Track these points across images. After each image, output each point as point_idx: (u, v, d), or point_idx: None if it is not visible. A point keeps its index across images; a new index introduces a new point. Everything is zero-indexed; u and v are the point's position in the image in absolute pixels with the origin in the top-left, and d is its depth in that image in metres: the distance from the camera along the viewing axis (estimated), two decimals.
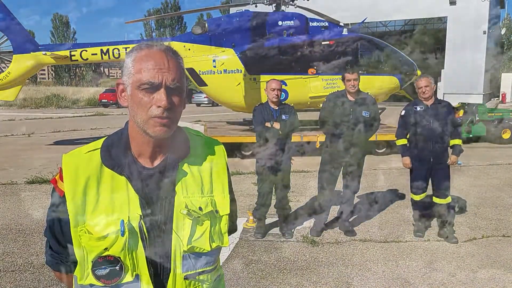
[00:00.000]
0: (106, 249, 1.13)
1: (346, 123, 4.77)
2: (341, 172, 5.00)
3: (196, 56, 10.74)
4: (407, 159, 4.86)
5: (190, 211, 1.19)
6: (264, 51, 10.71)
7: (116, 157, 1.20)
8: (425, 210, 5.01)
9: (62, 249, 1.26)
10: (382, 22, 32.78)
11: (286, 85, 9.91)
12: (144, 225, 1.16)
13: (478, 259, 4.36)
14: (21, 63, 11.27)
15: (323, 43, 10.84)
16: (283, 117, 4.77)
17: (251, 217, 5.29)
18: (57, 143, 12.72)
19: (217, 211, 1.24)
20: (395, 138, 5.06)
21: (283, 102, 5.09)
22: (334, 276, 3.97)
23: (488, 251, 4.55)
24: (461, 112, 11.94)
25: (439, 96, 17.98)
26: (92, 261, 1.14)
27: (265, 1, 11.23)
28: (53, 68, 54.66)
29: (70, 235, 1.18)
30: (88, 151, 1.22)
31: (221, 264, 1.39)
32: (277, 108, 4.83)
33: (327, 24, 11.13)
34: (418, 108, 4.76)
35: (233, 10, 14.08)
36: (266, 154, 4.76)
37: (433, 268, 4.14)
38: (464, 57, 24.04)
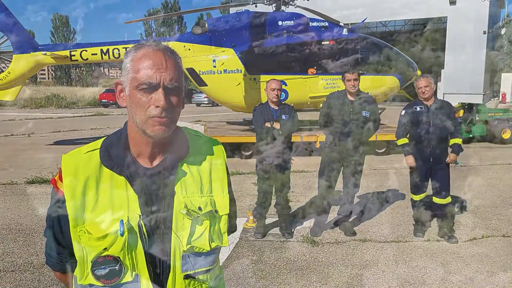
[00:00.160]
0: (105, 249, 1.14)
1: (346, 123, 4.77)
2: (341, 172, 5.00)
3: (196, 56, 10.74)
4: (410, 158, 4.80)
5: (190, 211, 1.19)
6: (264, 51, 10.71)
7: (115, 157, 1.20)
8: (425, 210, 5.00)
9: (62, 249, 1.26)
10: (382, 22, 32.76)
11: (286, 85, 9.91)
12: (143, 225, 1.16)
13: (478, 259, 4.36)
14: (21, 63, 11.27)
15: (323, 43, 10.84)
16: (283, 117, 4.77)
17: (251, 217, 5.29)
18: (57, 143, 12.72)
19: (216, 211, 1.24)
20: (396, 138, 5.05)
21: (283, 102, 5.09)
22: (334, 276, 3.97)
23: (488, 251, 4.55)
24: (461, 112, 11.94)
25: (439, 96, 17.97)
26: (91, 261, 1.14)
27: (265, 1, 11.23)
28: (53, 68, 54.61)
29: (69, 235, 1.18)
30: (87, 151, 1.22)
31: (221, 264, 1.39)
32: (277, 108, 4.83)
33: (327, 24, 11.13)
34: (418, 108, 4.76)
35: (233, 10, 14.08)
36: (266, 154, 4.76)
37: (433, 268, 4.14)
38: (464, 57, 24.02)
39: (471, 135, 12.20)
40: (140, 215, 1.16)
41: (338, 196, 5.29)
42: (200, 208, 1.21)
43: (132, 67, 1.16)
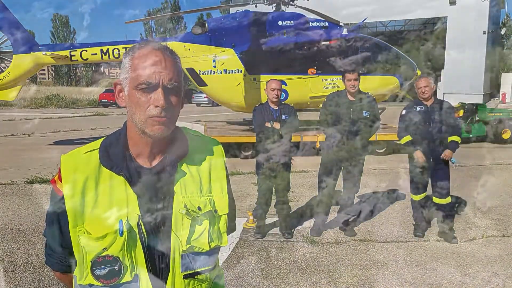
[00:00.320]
0: (105, 249, 1.14)
1: (346, 123, 4.77)
2: (341, 172, 5.00)
3: (196, 56, 10.74)
4: (419, 153, 4.70)
5: (189, 210, 1.19)
6: (264, 51, 10.71)
7: (114, 157, 1.20)
8: (425, 210, 5.00)
9: (61, 249, 1.26)
10: (382, 22, 32.75)
11: (286, 85, 9.91)
12: (142, 225, 1.16)
13: (478, 259, 4.36)
14: (21, 63, 11.27)
15: (323, 43, 10.84)
16: (283, 117, 4.77)
17: (251, 217, 5.29)
18: (57, 143, 12.73)
19: (216, 211, 1.25)
20: (398, 139, 5.03)
21: (283, 102, 5.09)
22: (334, 276, 3.97)
23: (488, 251, 4.55)
24: (461, 112, 11.94)
25: (439, 96, 17.96)
26: (91, 261, 1.14)
27: (265, 1, 11.23)
28: (53, 68, 54.60)
29: (69, 235, 1.18)
30: (87, 152, 1.22)
31: (221, 264, 1.39)
32: (277, 108, 4.83)
33: (327, 24, 11.13)
34: (418, 108, 4.76)
35: (233, 10, 14.07)
36: (266, 154, 4.76)
37: (432, 268, 4.14)
38: (464, 57, 24.01)
39: (471, 135, 12.20)
40: (139, 215, 1.16)
41: (338, 196, 5.29)
42: (199, 208, 1.21)
43: (131, 67, 1.16)
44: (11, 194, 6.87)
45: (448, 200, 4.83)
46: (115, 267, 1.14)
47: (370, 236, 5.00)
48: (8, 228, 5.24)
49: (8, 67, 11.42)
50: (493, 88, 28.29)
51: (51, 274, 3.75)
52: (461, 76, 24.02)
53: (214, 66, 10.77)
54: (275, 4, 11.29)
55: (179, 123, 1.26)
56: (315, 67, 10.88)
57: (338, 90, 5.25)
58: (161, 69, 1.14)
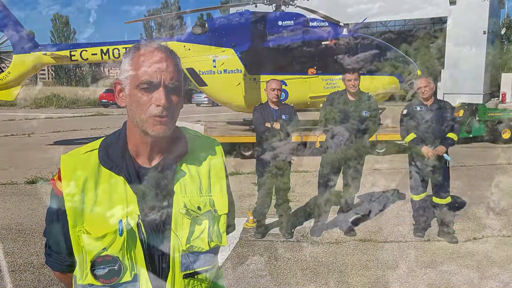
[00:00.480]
0: (104, 249, 1.14)
1: (346, 123, 4.77)
2: (341, 172, 5.00)
3: (196, 56, 10.73)
4: (425, 149, 4.65)
5: (189, 210, 1.19)
6: (264, 51, 10.70)
7: (114, 157, 1.20)
8: (424, 210, 5.00)
9: (61, 249, 1.26)
10: (382, 22, 32.76)
11: (286, 85, 9.90)
12: (142, 225, 1.17)
13: (478, 259, 4.36)
14: (21, 63, 11.26)
15: (323, 43, 10.84)
16: (283, 117, 4.77)
17: (251, 217, 5.29)
18: (57, 143, 12.73)
19: (215, 211, 1.25)
20: (402, 138, 5.02)
21: (283, 102, 5.09)
22: (334, 276, 3.97)
23: (488, 251, 4.54)
24: (461, 112, 11.93)
25: (439, 96, 17.96)
26: (91, 261, 1.15)
27: (265, 1, 11.23)
28: (53, 68, 54.59)
29: (69, 235, 1.18)
30: (86, 152, 1.22)
31: (221, 264, 1.39)
32: (277, 108, 4.83)
33: (327, 24, 11.13)
34: (418, 108, 4.76)
35: (233, 10, 14.07)
36: (266, 154, 4.76)
37: (433, 268, 4.14)
38: (464, 57, 24.01)
39: (471, 135, 12.20)
40: (139, 215, 1.17)
41: (338, 196, 5.28)
42: (199, 208, 1.21)
43: (132, 67, 1.16)
44: (11, 194, 6.87)
45: (448, 200, 4.83)
46: (115, 267, 1.14)
47: (370, 236, 5.00)
48: (8, 228, 5.24)
49: (8, 67, 11.42)
50: (493, 88, 28.30)
51: (51, 274, 3.75)
52: (461, 76, 24.02)
53: (214, 66, 10.76)
54: (275, 4, 11.28)
55: (179, 123, 1.26)
56: (315, 67, 10.87)
57: (338, 90, 5.25)
58: (163, 68, 1.14)
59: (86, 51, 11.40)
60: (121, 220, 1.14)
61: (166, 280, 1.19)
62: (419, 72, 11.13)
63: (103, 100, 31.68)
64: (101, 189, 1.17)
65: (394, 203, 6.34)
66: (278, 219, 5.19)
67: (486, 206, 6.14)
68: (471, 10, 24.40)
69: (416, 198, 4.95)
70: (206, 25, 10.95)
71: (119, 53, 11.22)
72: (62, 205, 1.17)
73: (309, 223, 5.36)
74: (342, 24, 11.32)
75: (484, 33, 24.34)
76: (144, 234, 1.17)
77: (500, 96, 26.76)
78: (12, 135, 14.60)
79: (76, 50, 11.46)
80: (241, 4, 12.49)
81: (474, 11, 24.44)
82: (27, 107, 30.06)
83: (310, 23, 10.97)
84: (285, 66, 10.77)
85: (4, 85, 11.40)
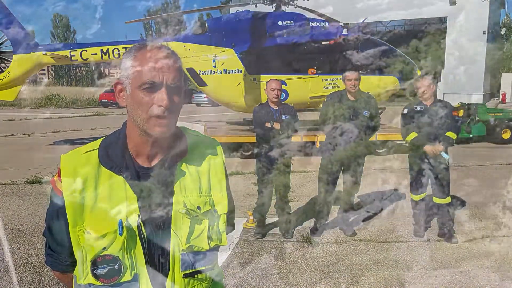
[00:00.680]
0: (105, 248, 1.14)
1: (347, 123, 4.77)
2: (341, 172, 5.00)
3: (196, 56, 10.74)
4: (428, 147, 4.64)
5: (189, 210, 1.19)
6: (264, 51, 10.71)
7: (114, 157, 1.21)
8: (424, 210, 5.00)
9: (61, 249, 1.26)
10: (382, 22, 32.75)
11: (286, 85, 9.91)
12: (142, 225, 1.17)
13: (478, 259, 4.36)
14: (21, 63, 11.27)
15: (323, 43, 10.84)
16: (283, 117, 4.77)
17: (251, 217, 5.29)
18: (57, 143, 12.73)
19: (215, 210, 1.25)
20: (403, 138, 5.02)
21: (283, 102, 5.09)
22: (334, 276, 3.97)
23: (488, 251, 4.54)
24: (461, 112, 11.93)
25: (439, 96, 17.95)
26: (91, 261, 1.15)
27: (265, 1, 11.24)
28: (53, 68, 54.57)
29: (69, 235, 1.18)
30: (86, 152, 1.22)
31: (221, 264, 1.39)
32: (277, 108, 4.83)
33: (327, 24, 11.13)
34: (418, 108, 4.76)
35: (233, 10, 14.08)
36: (266, 154, 4.76)
37: (433, 268, 4.13)
38: (464, 57, 24.01)
39: (471, 135, 12.19)
40: (139, 215, 1.17)
41: (338, 196, 5.28)
42: (199, 208, 1.21)
43: (134, 67, 1.16)
44: (11, 194, 6.87)
45: (448, 200, 4.83)
46: (115, 267, 1.14)
47: (370, 236, 5.00)
48: (8, 228, 5.24)
49: (8, 67, 11.43)
50: (493, 88, 28.30)
51: (51, 274, 3.75)
52: (461, 76, 24.02)
53: (214, 66, 10.77)
54: (275, 4, 11.29)
55: (179, 123, 1.26)
56: (315, 67, 10.88)
57: (338, 90, 5.25)
58: (165, 69, 1.15)
59: (86, 51, 11.40)
60: (121, 220, 1.15)
61: (166, 280, 1.19)
62: (419, 72, 11.13)
63: (103, 100, 31.66)
64: (101, 189, 1.17)
65: (394, 203, 6.33)
66: (278, 219, 5.19)
67: (489, 205, 6.14)
68: (471, 10, 24.40)
69: (416, 198, 4.95)
70: (206, 25, 10.96)
71: (119, 53, 11.22)
72: (62, 204, 1.18)
73: (309, 223, 5.36)
74: (342, 24, 11.33)
75: (484, 33, 24.35)
76: (144, 233, 1.17)
77: (500, 96, 26.77)
78: (12, 135, 14.60)
79: (76, 50, 11.47)
80: (241, 4, 12.50)
81: (474, 11, 24.44)
82: (27, 107, 30.06)
83: (310, 23, 10.98)
84: (285, 66, 10.77)
85: (4, 85, 11.41)
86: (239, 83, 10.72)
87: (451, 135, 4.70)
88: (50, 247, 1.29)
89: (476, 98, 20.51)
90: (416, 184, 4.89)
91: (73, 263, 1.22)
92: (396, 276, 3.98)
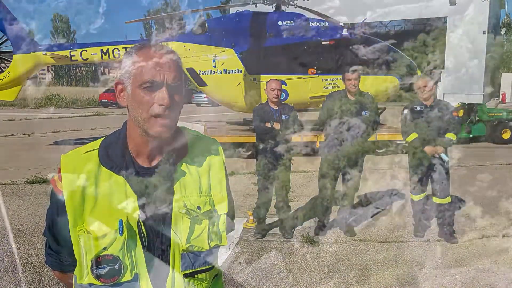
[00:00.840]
0: (105, 248, 1.14)
1: (346, 123, 4.77)
2: (341, 172, 5.00)
3: (196, 56, 10.74)
4: (428, 148, 4.65)
5: (189, 210, 1.19)
6: (264, 51, 10.71)
7: (114, 157, 1.21)
8: (424, 210, 5.00)
9: (61, 249, 1.26)
10: (382, 22, 32.76)
11: (286, 85, 9.91)
12: (142, 225, 1.17)
13: (478, 259, 4.36)
14: (21, 63, 11.27)
15: (323, 43, 10.84)
16: (283, 117, 4.77)
17: (251, 217, 5.29)
18: (57, 143, 12.73)
19: (215, 210, 1.25)
20: (403, 138, 5.02)
21: (283, 102, 5.09)
22: (334, 276, 3.97)
23: (488, 251, 4.54)
24: (461, 112, 11.93)
25: (439, 96, 17.95)
26: (91, 261, 1.15)
27: (265, 1, 11.23)
28: (53, 68, 54.58)
29: (69, 235, 1.18)
30: (86, 152, 1.23)
31: (220, 264, 1.39)
32: (277, 108, 4.83)
33: (327, 24, 11.13)
34: (418, 108, 4.77)
35: (233, 10, 14.07)
36: (266, 154, 4.76)
37: (433, 268, 4.14)
38: (464, 57, 24.02)
39: (471, 135, 12.20)
40: (139, 215, 1.17)
41: (338, 196, 5.28)
42: (199, 207, 1.21)
43: (135, 66, 1.16)
44: (11, 194, 6.87)
45: (448, 200, 4.83)
46: (115, 266, 1.14)
47: (370, 236, 5.00)
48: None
49: (8, 67, 11.43)
50: (493, 88, 28.30)
51: (51, 274, 3.76)
52: (461, 76, 24.02)
53: (214, 66, 10.77)
54: (275, 4, 11.29)
55: (179, 123, 1.26)
56: (315, 67, 10.88)
57: (338, 90, 5.25)
58: (165, 68, 1.15)
59: (86, 51, 11.41)
60: (121, 220, 1.15)
61: (166, 280, 1.19)
62: (419, 72, 11.13)
63: (103, 100, 31.67)
64: (101, 189, 1.17)
65: (393, 203, 6.33)
66: (278, 219, 5.19)
67: (489, 206, 6.14)
68: (471, 10, 24.39)
69: (416, 198, 4.95)
70: (206, 25, 10.96)
71: (119, 53, 11.22)
72: (62, 204, 1.18)
73: (309, 223, 5.36)
74: (342, 24, 11.33)
75: (484, 33, 24.35)
76: (144, 233, 1.17)
77: (500, 96, 26.77)
78: (12, 135, 14.60)
79: (76, 50, 11.47)
80: (241, 4, 12.49)
81: (474, 11, 24.43)
82: (27, 107, 30.07)
83: (310, 23, 10.97)
84: (285, 66, 10.77)
85: (4, 85, 11.41)
86: (239, 83, 10.72)
87: (451, 136, 4.70)
88: (50, 247, 1.30)
89: (476, 98, 20.52)
90: (416, 184, 4.89)
91: (73, 263, 1.22)
92: (396, 276, 3.98)
